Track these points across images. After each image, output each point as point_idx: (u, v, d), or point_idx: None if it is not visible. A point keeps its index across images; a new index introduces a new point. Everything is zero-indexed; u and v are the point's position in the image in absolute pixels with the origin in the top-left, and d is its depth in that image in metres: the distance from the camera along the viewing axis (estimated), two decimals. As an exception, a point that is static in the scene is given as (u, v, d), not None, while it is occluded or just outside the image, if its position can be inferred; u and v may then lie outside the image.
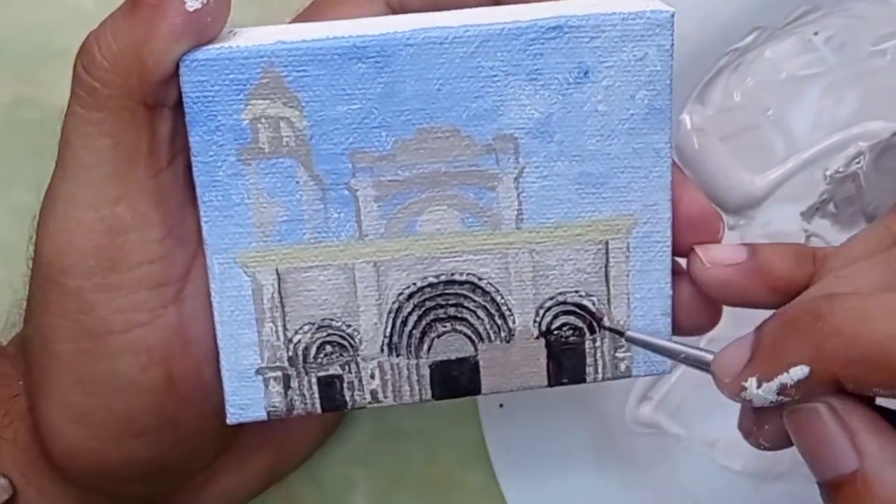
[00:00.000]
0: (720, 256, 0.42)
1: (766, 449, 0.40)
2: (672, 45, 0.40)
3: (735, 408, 0.54)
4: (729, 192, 0.53)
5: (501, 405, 0.53)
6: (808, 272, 0.41)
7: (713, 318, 0.44)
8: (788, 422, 0.37)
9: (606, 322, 0.43)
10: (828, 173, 0.53)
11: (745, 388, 0.37)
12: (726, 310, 0.44)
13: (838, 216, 0.53)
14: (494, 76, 0.39)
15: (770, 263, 0.41)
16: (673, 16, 0.40)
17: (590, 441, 0.54)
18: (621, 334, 0.43)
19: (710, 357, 0.39)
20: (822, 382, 0.35)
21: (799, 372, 0.35)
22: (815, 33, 0.52)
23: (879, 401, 0.37)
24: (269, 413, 0.42)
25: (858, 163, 0.53)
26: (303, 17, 0.45)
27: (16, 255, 0.47)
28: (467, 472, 0.56)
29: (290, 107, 0.39)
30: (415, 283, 0.42)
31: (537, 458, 0.54)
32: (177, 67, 0.39)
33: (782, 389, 0.36)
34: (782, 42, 0.52)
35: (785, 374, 0.36)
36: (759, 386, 0.36)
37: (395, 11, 0.44)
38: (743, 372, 0.37)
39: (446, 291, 0.42)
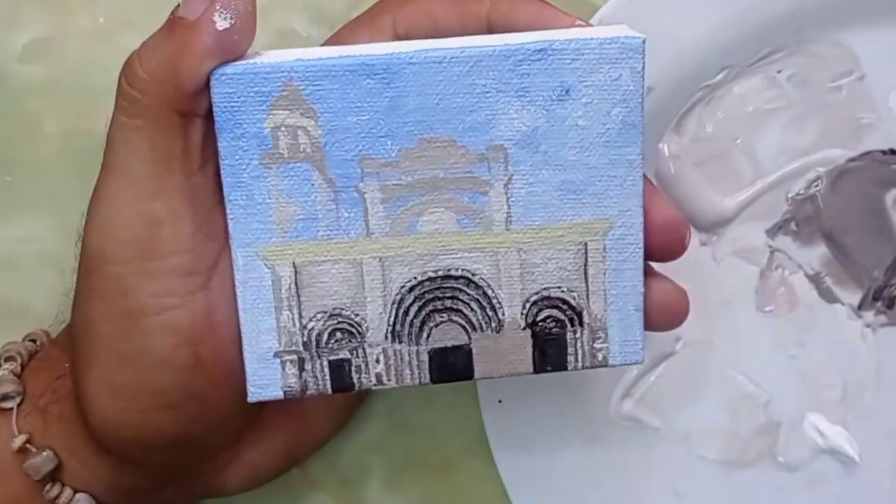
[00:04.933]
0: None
1: None
2: (643, 67, 0.40)
3: (708, 402, 0.54)
4: (702, 212, 0.53)
5: (500, 401, 0.53)
6: None
7: (679, 317, 0.44)
8: None
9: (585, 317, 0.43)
10: (790, 195, 0.53)
11: None
12: (692, 309, 0.44)
13: (799, 234, 0.53)
14: (487, 93, 0.40)
15: None
16: (644, 42, 0.40)
17: (579, 433, 0.54)
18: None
19: None
20: None
21: None
22: (779, 71, 0.52)
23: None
24: (285, 392, 0.42)
25: (817, 186, 0.53)
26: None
27: (68, 269, 0.48)
28: (469, 459, 0.55)
29: (307, 117, 0.40)
30: (416, 277, 0.42)
31: (532, 448, 0.54)
32: (208, 81, 0.39)
33: None
34: (749, 79, 0.52)
35: None
36: None
37: None
38: None
39: (443, 285, 0.42)
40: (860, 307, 0.55)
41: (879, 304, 0.54)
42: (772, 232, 0.54)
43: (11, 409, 0.45)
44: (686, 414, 0.55)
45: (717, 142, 0.52)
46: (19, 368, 0.46)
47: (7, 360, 0.47)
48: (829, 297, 0.55)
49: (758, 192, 0.53)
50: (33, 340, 0.49)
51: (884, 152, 0.53)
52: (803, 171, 0.53)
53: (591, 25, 0.43)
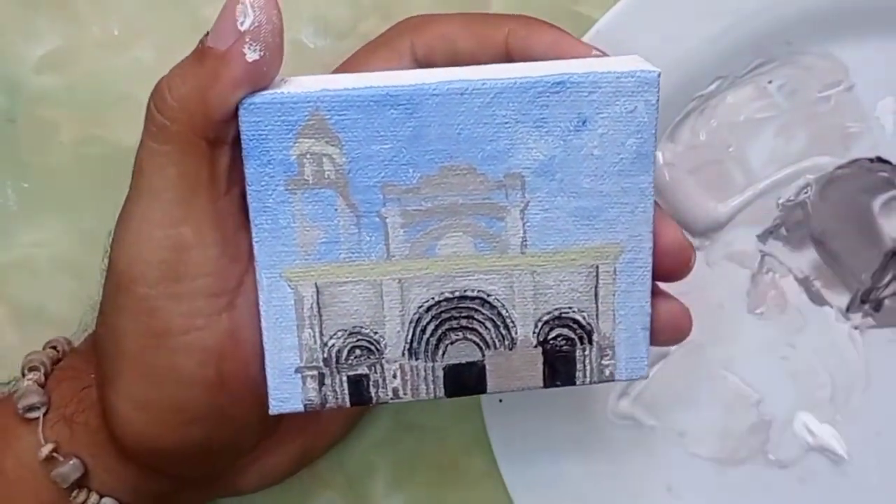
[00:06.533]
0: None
1: None
2: (657, 100, 0.40)
3: (701, 402, 0.55)
4: (696, 218, 0.53)
5: (501, 400, 0.54)
6: None
7: (683, 333, 0.45)
8: None
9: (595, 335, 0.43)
10: (780, 201, 0.54)
11: None
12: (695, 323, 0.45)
13: (789, 238, 0.54)
14: (506, 123, 0.40)
15: None
16: (659, 76, 0.40)
17: (577, 431, 0.55)
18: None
19: None
20: None
21: None
22: (770, 82, 0.52)
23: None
24: (305, 406, 0.43)
25: (806, 192, 0.53)
26: (341, 69, 0.46)
27: (85, 272, 0.48)
28: (472, 459, 0.56)
29: (332, 145, 0.40)
30: (433, 298, 0.42)
31: (531, 446, 0.55)
32: (236, 109, 0.39)
33: None
34: (741, 89, 0.52)
35: None
36: None
37: (420, 65, 0.44)
38: None
39: (460, 305, 0.42)
40: (848, 310, 0.55)
41: (867, 306, 0.55)
42: (763, 237, 0.54)
43: (37, 418, 0.45)
44: (680, 413, 0.56)
45: (711, 149, 0.53)
46: (43, 378, 0.47)
47: (31, 370, 0.47)
48: (818, 300, 0.56)
49: (749, 199, 0.54)
50: (54, 348, 0.49)
51: (871, 160, 0.54)
52: (793, 178, 0.54)
53: (606, 55, 0.43)
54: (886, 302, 0.55)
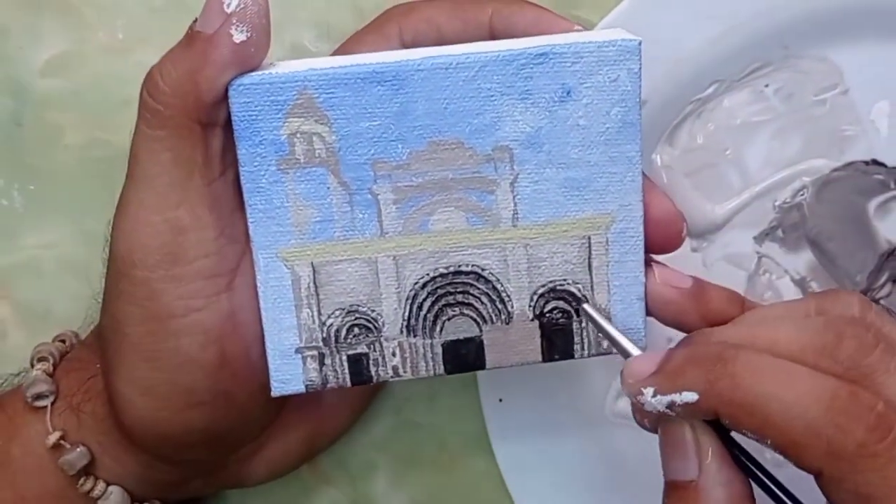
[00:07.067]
0: (670, 277, 0.43)
1: (643, 427, 0.41)
2: (640, 68, 0.41)
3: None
4: (693, 220, 0.53)
5: (501, 400, 0.54)
6: (736, 313, 0.42)
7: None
8: (661, 422, 0.39)
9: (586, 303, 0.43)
10: (777, 203, 0.54)
11: (642, 393, 0.38)
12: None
13: (785, 240, 0.54)
14: (492, 96, 0.41)
15: (708, 296, 0.43)
16: (640, 44, 0.41)
17: (576, 431, 0.55)
18: (579, 303, 0.43)
19: (636, 352, 0.41)
20: (704, 411, 0.37)
21: (689, 396, 0.37)
22: (766, 85, 0.53)
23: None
24: (306, 386, 0.43)
25: (803, 195, 0.53)
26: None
27: (91, 273, 0.49)
28: (471, 458, 0.56)
29: (321, 123, 0.40)
30: (428, 274, 0.42)
31: (530, 445, 0.54)
32: (226, 91, 0.40)
33: (671, 405, 0.38)
34: (738, 93, 0.53)
35: (677, 394, 0.37)
36: (654, 395, 0.38)
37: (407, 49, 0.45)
38: (646, 380, 0.38)
39: (455, 281, 0.43)
40: (844, 310, 0.55)
41: (863, 307, 0.55)
42: (759, 238, 0.54)
43: (45, 407, 0.46)
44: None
45: (708, 152, 0.53)
46: (52, 368, 0.47)
47: (40, 360, 0.47)
48: (814, 301, 0.55)
49: (746, 201, 0.54)
50: (63, 341, 0.49)
51: (866, 163, 0.54)
52: (789, 181, 0.54)
53: (588, 30, 0.43)
54: (882, 303, 0.54)
